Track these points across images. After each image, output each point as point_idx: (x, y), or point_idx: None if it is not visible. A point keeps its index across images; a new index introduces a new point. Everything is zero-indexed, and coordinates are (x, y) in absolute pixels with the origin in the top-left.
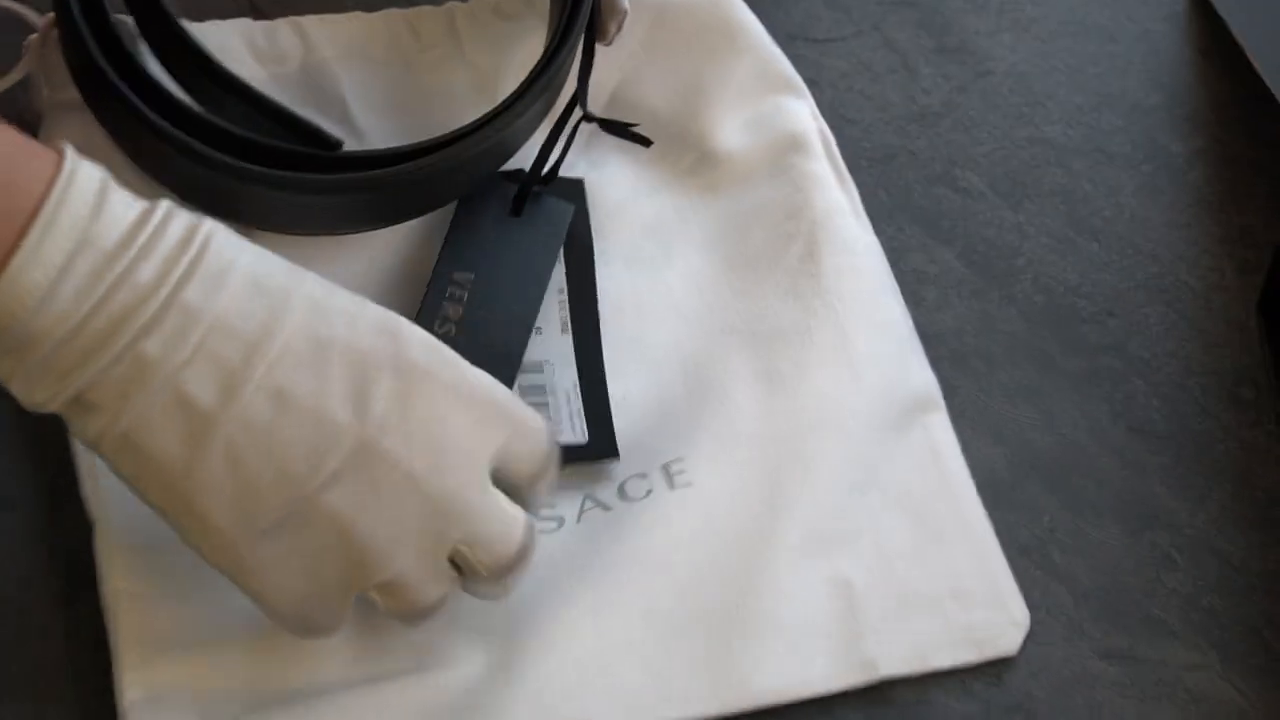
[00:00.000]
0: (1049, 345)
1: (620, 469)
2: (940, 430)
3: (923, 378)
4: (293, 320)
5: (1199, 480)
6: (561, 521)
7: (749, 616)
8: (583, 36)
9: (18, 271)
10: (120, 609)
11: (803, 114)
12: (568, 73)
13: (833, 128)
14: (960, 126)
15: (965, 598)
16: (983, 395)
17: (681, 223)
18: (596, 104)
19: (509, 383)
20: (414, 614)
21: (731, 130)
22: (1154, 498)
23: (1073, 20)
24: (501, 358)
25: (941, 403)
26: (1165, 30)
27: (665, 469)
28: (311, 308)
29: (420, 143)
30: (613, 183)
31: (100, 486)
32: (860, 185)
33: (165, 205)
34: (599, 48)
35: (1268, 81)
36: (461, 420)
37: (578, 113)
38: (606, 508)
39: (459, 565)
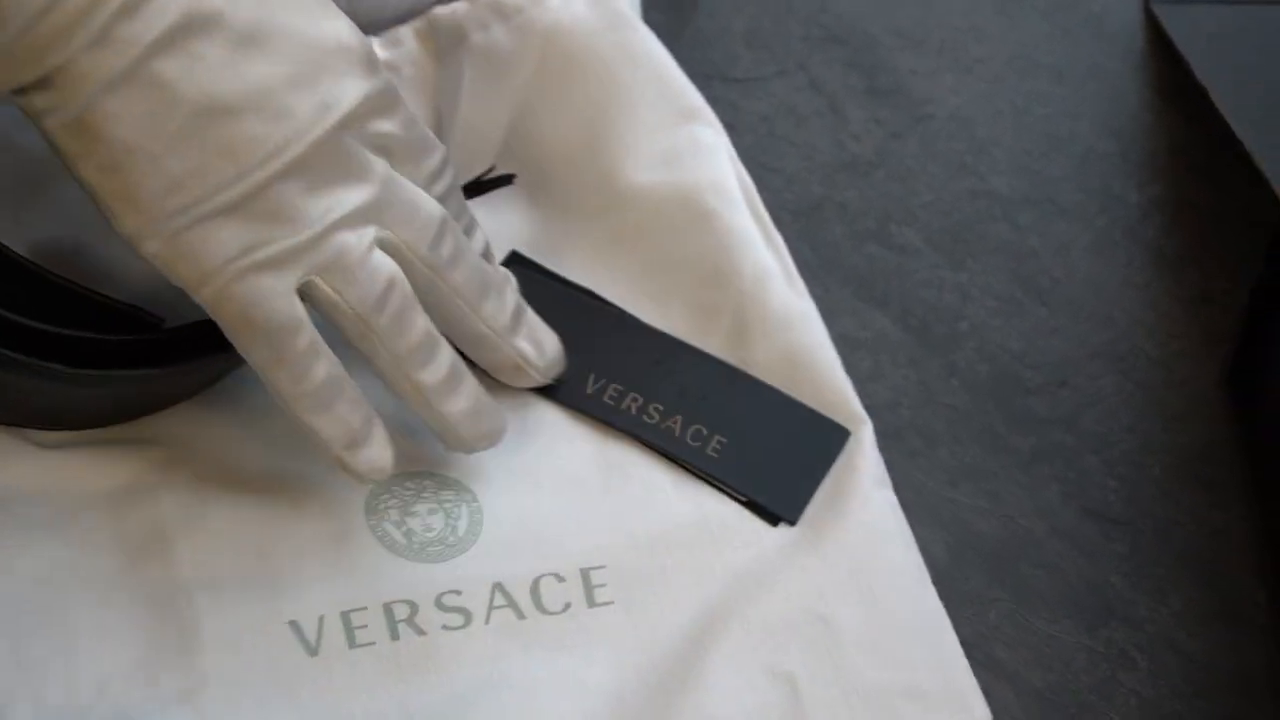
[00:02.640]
0: (993, 419)
1: (532, 561)
2: (888, 509)
3: (869, 457)
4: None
5: (1160, 570)
6: (468, 618)
7: (681, 717)
8: None
9: None
10: None
11: (718, 155)
12: None
13: (753, 177)
14: (895, 176)
15: (922, 698)
16: (920, 474)
17: (591, 283)
18: (491, 143)
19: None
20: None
21: (640, 164)
22: (1110, 589)
23: (1020, 57)
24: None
25: (888, 479)
26: (1120, 70)
27: (585, 576)
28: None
29: None
30: (511, 235)
31: None
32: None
33: None
34: (489, 80)
35: (1233, 125)
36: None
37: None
38: (520, 613)
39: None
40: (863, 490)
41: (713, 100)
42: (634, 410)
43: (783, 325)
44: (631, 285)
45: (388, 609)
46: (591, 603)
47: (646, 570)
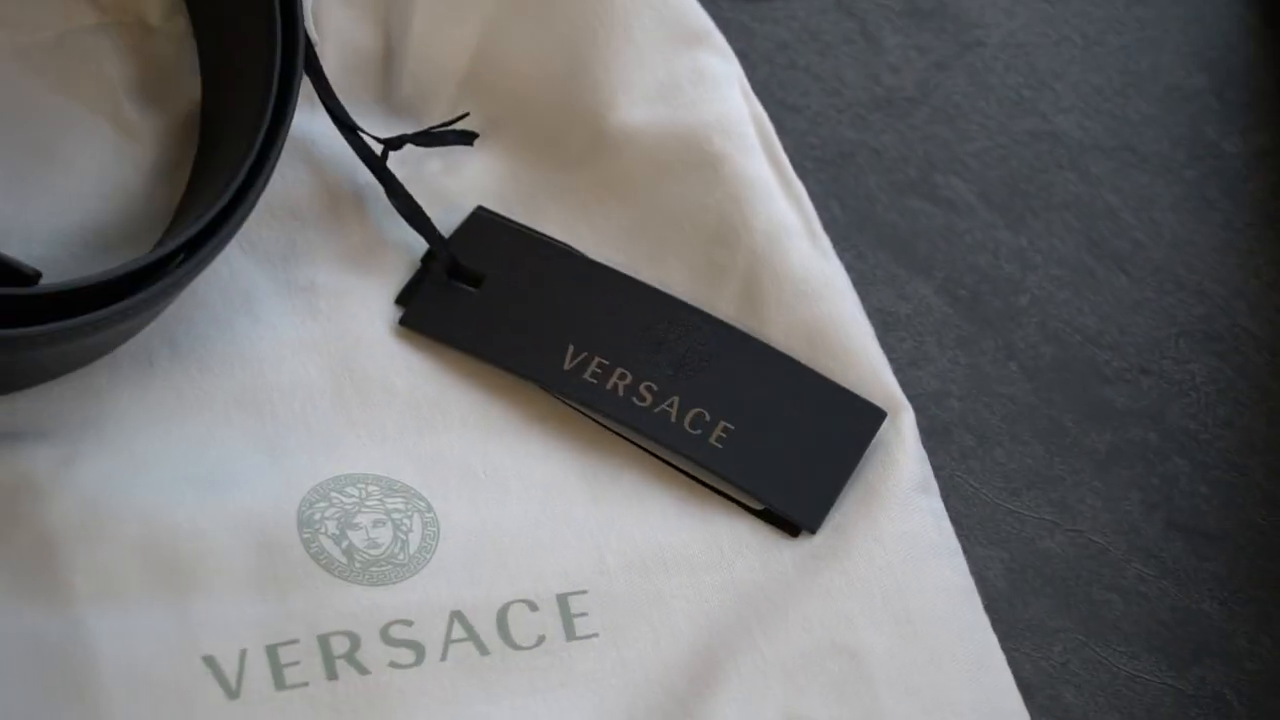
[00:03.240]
0: (1061, 413)
1: (499, 584)
2: (931, 519)
3: (910, 452)
4: None
5: (1263, 595)
6: (420, 654)
7: None
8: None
9: None
10: None
11: (728, 88)
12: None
13: (769, 117)
14: (941, 116)
15: None
16: (972, 480)
17: (573, 241)
18: (452, 73)
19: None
20: None
21: (634, 99)
22: (1202, 618)
23: None
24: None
25: (934, 483)
26: None
27: (562, 603)
28: None
29: (150, 256)
30: (476, 187)
31: None
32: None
33: None
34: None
35: None
36: None
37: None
38: (483, 648)
39: None
40: (902, 494)
41: (720, 22)
42: (621, 391)
43: (803, 292)
44: (621, 244)
45: (324, 642)
46: (571, 635)
47: (638, 596)
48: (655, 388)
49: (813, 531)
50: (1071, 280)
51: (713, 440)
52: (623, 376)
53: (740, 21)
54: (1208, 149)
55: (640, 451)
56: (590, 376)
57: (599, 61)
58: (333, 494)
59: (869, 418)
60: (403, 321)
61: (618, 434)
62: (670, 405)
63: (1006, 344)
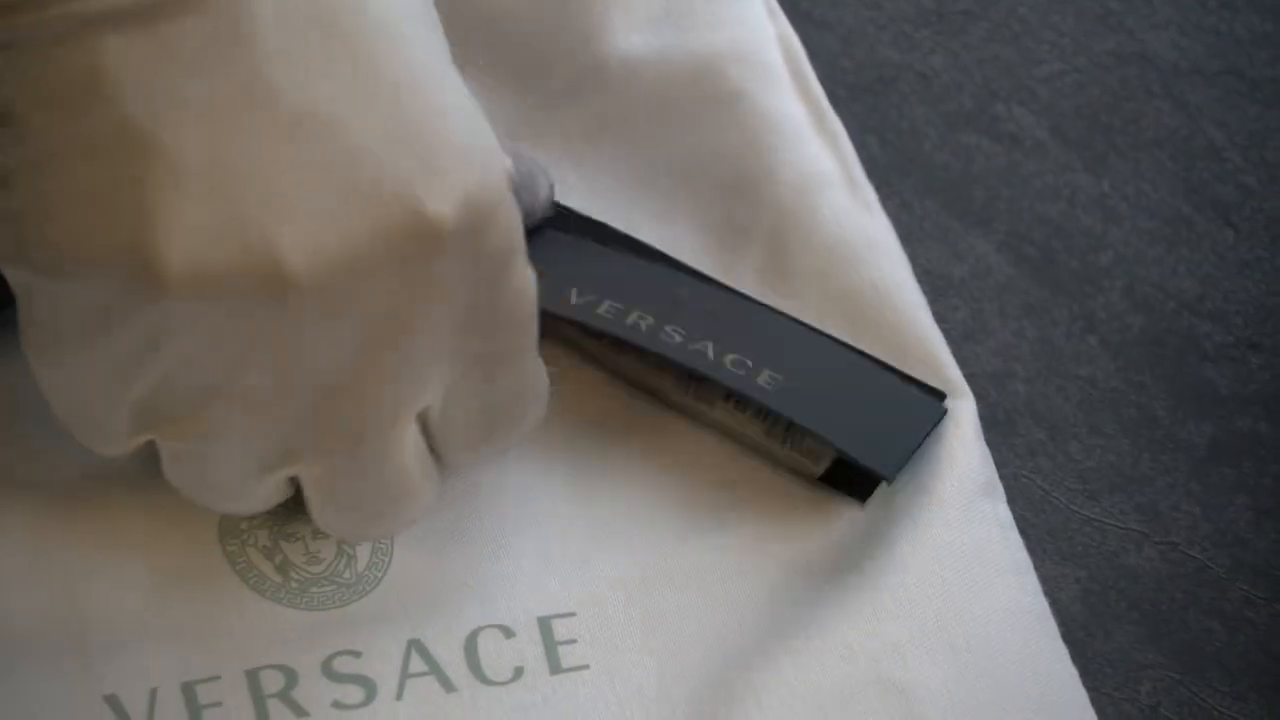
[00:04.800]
0: (1152, 398)
1: (467, 606)
2: (996, 530)
3: (971, 448)
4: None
5: None
6: (371, 691)
7: None
8: None
9: None
10: None
11: (750, 6)
12: None
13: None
14: (1003, 33)
15: None
16: (1043, 481)
17: (559, 194)
18: None
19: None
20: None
21: (633, 20)
22: None
23: None
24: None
25: (998, 484)
26: None
27: (545, 628)
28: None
29: None
30: None
31: None
32: None
33: None
34: None
35: None
36: None
37: None
38: (448, 684)
39: None
40: (962, 499)
41: None
42: (644, 328)
43: (840, 255)
44: (617, 197)
45: (253, 679)
46: (556, 668)
47: (637, 618)
48: (684, 331)
49: (890, 481)
50: (1165, 234)
51: (761, 381)
52: (643, 317)
53: None
54: None
55: (639, 441)
56: (605, 312)
57: None
58: None
59: (925, 410)
60: None
61: (618, 406)
62: (703, 346)
63: (1085, 313)
